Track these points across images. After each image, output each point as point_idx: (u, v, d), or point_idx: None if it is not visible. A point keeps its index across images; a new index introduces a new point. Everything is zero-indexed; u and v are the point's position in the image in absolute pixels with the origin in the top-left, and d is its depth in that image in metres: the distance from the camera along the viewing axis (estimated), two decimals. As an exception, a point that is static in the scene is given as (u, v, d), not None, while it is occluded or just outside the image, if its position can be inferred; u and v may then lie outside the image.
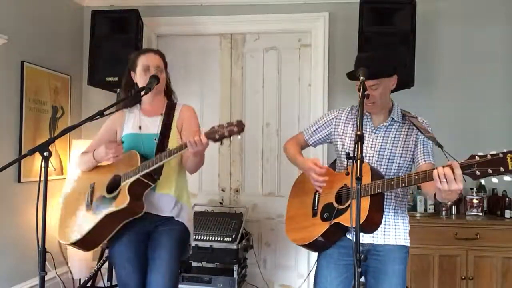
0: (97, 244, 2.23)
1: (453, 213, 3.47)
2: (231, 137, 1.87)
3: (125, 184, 2.08)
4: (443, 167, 1.62)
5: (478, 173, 1.54)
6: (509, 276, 3.17)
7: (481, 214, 3.41)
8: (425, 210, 3.45)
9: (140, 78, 2.25)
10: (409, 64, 3.26)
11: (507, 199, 3.38)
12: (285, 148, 2.31)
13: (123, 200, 2.06)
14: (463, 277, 3.19)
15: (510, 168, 1.49)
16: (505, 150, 1.51)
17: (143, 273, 2.24)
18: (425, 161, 1.98)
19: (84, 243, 2.19)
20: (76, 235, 2.17)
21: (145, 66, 2.23)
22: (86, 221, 2.18)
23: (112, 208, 2.09)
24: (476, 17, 3.69)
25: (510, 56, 3.66)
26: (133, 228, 2.17)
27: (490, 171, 1.52)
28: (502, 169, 1.50)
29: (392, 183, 1.79)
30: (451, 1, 3.73)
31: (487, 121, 3.65)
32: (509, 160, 1.49)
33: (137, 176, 2.06)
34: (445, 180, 1.61)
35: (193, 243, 2.47)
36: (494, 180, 1.56)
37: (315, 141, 2.25)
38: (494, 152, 1.52)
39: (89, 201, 2.23)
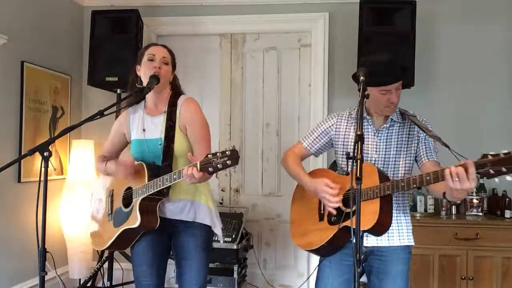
0: (127, 246, 2.27)
1: (453, 213, 3.46)
2: (226, 170, 1.82)
3: (136, 202, 2.08)
4: (456, 166, 1.62)
5: (492, 171, 1.56)
6: (509, 276, 3.17)
7: (481, 214, 3.41)
8: (425, 210, 3.45)
9: (144, 68, 2.16)
10: (409, 64, 3.26)
11: (507, 199, 3.37)
12: (284, 162, 2.21)
13: (134, 219, 2.06)
14: (463, 277, 3.19)
15: None
16: None
17: (160, 273, 2.25)
18: (428, 159, 1.98)
19: (111, 249, 2.36)
20: (102, 245, 2.28)
21: (150, 55, 2.16)
22: (108, 232, 2.23)
23: (126, 225, 2.11)
24: (476, 17, 3.69)
25: (510, 56, 3.66)
26: (152, 230, 2.16)
27: (504, 169, 1.53)
28: None
29: (403, 184, 1.78)
30: (451, 1, 3.73)
31: (487, 121, 3.65)
32: None
33: (145, 195, 2.05)
34: (457, 179, 1.61)
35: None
36: (508, 178, 1.57)
37: (317, 150, 2.19)
38: (506, 151, 1.54)
39: (110, 210, 2.27)
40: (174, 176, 1.96)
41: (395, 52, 3.20)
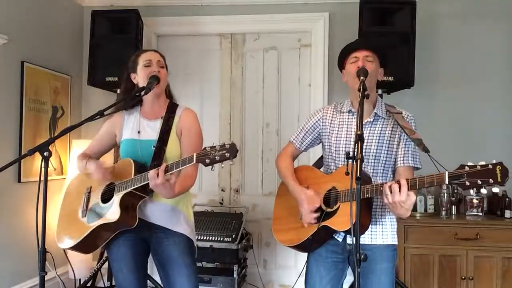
0: (94, 249, 2.21)
1: (453, 213, 3.47)
2: (223, 163, 1.76)
3: (118, 196, 2.02)
4: (392, 182, 1.69)
5: (467, 183, 1.56)
6: (509, 276, 3.18)
7: (481, 214, 3.41)
8: (425, 210, 3.46)
9: (141, 74, 2.16)
10: (409, 64, 3.26)
11: (507, 199, 3.38)
12: (276, 163, 2.24)
13: (114, 213, 2.01)
14: (463, 277, 3.20)
15: (499, 180, 1.50)
16: (494, 162, 1.52)
17: (141, 277, 2.23)
18: (403, 163, 1.96)
19: (79, 249, 2.19)
20: (70, 242, 2.15)
21: (146, 61, 2.16)
22: (79, 228, 2.14)
23: (103, 220, 2.05)
24: (476, 17, 3.69)
25: (510, 56, 3.66)
26: (131, 232, 2.12)
27: (479, 182, 1.53)
28: (491, 180, 1.51)
29: (381, 189, 1.77)
30: (451, 1, 3.73)
31: (487, 121, 3.65)
32: (498, 171, 1.51)
33: (129, 189, 2.00)
34: (389, 193, 1.67)
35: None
36: (483, 191, 1.57)
37: (306, 146, 2.22)
38: (483, 163, 1.54)
39: (85, 207, 2.19)
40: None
41: (395, 52, 3.20)
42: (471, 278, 3.19)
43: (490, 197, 3.52)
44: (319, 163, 2.24)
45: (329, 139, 2.10)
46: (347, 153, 1.61)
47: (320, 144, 2.23)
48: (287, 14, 3.89)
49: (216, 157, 1.75)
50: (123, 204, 2.01)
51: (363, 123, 1.99)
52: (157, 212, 2.14)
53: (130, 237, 2.15)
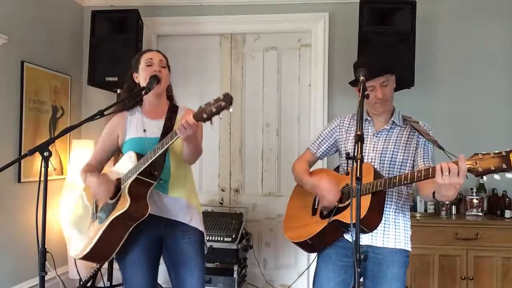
0: (108, 256, 2.12)
1: (453, 213, 3.47)
2: (221, 113, 1.77)
3: (125, 186, 2.01)
4: (448, 162, 1.62)
5: (480, 169, 1.57)
6: (509, 276, 3.18)
7: (481, 214, 3.41)
8: (425, 210, 3.45)
9: (142, 73, 2.17)
10: (409, 64, 3.26)
11: (507, 199, 3.38)
12: (293, 169, 2.26)
13: (123, 203, 1.98)
14: (463, 277, 3.20)
15: None
16: (508, 149, 1.53)
17: (153, 281, 2.23)
18: (424, 164, 1.98)
19: (94, 255, 2.11)
20: (83, 249, 2.10)
21: (148, 61, 2.17)
22: (92, 231, 2.12)
23: (114, 214, 2.00)
24: (476, 17, 3.69)
25: (510, 55, 3.66)
26: (145, 233, 2.11)
27: (492, 168, 1.54)
28: (504, 166, 1.52)
29: (395, 180, 1.79)
30: (451, 1, 3.73)
31: (487, 121, 3.65)
32: (511, 158, 1.51)
33: (135, 175, 1.99)
34: (447, 173, 1.60)
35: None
36: (496, 177, 1.57)
37: (322, 153, 2.24)
38: (497, 151, 1.55)
39: (94, 211, 2.18)
40: (167, 141, 1.93)
41: (395, 52, 3.20)
42: (471, 278, 3.19)
43: (490, 197, 3.52)
44: (336, 171, 2.26)
45: (345, 144, 2.15)
46: (347, 154, 1.62)
47: (327, 157, 2.26)
48: (287, 14, 3.89)
49: (213, 109, 1.77)
50: (131, 193, 1.99)
51: (380, 130, 2.07)
52: (174, 207, 2.16)
53: (144, 239, 2.14)
